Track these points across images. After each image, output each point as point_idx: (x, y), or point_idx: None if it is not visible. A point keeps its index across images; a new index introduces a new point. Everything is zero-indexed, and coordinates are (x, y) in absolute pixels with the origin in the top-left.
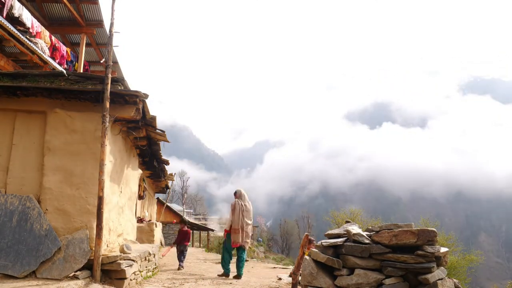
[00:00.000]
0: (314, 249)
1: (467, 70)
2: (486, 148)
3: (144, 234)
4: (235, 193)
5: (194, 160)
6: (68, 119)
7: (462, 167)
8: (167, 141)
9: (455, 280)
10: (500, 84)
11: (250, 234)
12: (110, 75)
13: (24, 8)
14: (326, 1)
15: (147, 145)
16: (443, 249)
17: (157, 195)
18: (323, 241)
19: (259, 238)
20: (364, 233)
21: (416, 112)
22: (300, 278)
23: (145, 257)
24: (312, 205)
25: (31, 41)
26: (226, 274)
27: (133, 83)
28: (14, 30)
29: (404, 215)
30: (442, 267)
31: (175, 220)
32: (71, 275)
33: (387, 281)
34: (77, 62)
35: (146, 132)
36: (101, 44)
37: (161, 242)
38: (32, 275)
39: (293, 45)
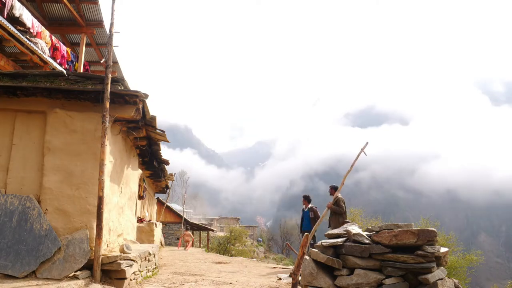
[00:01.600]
0: (314, 249)
1: (467, 70)
2: (486, 148)
3: (144, 234)
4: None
5: (194, 159)
6: (68, 119)
7: (462, 167)
8: (167, 141)
9: (455, 280)
10: (500, 84)
11: None
12: (110, 75)
13: (25, 8)
14: (326, 2)
15: (147, 145)
16: (443, 249)
17: (157, 195)
18: (323, 241)
19: (259, 238)
20: (364, 233)
21: (415, 111)
22: (300, 278)
23: (145, 257)
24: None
25: (31, 41)
26: None
27: (133, 83)
28: (14, 30)
29: (404, 215)
30: (442, 267)
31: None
32: (71, 275)
33: (387, 281)
34: (77, 62)
35: (146, 132)
36: (101, 44)
37: (161, 242)
38: (32, 275)
39: (293, 46)
